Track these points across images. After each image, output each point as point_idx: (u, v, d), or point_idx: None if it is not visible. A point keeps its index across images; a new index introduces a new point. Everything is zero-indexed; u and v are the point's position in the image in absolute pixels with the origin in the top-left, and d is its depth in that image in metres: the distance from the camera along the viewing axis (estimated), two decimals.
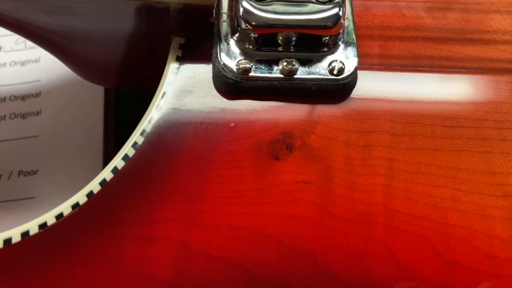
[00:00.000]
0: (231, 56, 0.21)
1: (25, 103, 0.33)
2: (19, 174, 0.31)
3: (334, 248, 0.18)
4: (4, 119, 0.32)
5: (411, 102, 0.21)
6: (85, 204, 0.18)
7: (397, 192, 0.19)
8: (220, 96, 0.20)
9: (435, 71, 0.22)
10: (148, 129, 0.20)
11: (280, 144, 0.20)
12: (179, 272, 0.17)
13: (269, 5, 0.20)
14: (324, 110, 0.21)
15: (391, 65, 0.22)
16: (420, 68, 0.22)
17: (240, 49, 0.21)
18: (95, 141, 0.31)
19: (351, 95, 0.21)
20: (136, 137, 0.20)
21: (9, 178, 0.31)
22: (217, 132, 0.20)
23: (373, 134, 0.20)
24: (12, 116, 0.33)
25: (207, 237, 0.18)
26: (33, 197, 0.30)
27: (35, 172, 0.31)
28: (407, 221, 0.19)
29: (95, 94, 0.33)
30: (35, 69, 0.34)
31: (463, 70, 0.22)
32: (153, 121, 0.20)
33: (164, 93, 0.20)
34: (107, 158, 0.32)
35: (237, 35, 0.20)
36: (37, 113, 0.33)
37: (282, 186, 0.19)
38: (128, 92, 0.34)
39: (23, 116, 0.32)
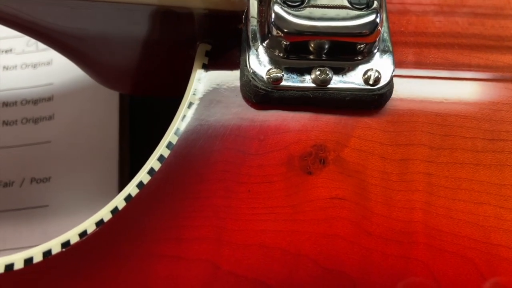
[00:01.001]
0: (261, 64, 0.19)
1: (37, 107, 0.32)
2: (31, 182, 0.30)
3: (372, 269, 0.17)
4: (16, 124, 0.31)
5: (450, 114, 0.20)
6: (110, 221, 0.17)
7: (437, 210, 0.18)
8: (249, 107, 0.19)
9: (474, 80, 0.21)
10: (174, 141, 0.19)
11: (313, 157, 0.19)
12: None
13: (303, 10, 0.19)
14: (358, 122, 0.20)
15: (427, 74, 0.21)
16: (458, 78, 0.21)
17: (269, 57, 0.19)
18: (110, 147, 0.31)
19: (387, 106, 0.20)
20: (162, 149, 0.19)
21: (21, 185, 0.30)
22: (246, 145, 0.19)
23: (410, 147, 0.19)
24: (24, 121, 0.32)
25: (238, 257, 0.17)
26: (46, 205, 0.29)
27: (48, 179, 0.30)
28: (449, 240, 0.18)
29: (110, 98, 0.32)
30: (47, 72, 0.33)
31: (503, 80, 0.21)
32: (179, 133, 0.19)
33: (190, 103, 0.19)
34: (122, 164, 0.31)
35: (267, 41, 0.19)
36: (50, 117, 0.32)
37: (315, 202, 0.18)
38: (144, 96, 0.33)
39: (35, 121, 0.32)
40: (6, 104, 0.32)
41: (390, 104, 0.20)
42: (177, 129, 0.19)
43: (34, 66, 0.34)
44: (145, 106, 0.33)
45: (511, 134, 0.20)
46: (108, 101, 0.32)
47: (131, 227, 0.17)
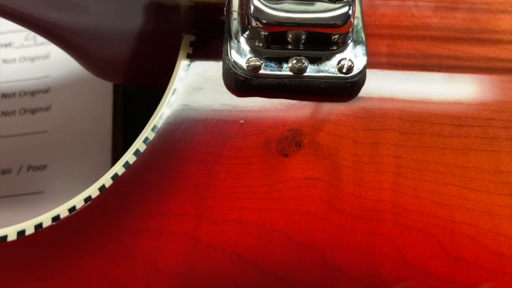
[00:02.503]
0: (241, 53, 0.21)
1: (34, 98, 0.33)
2: (28, 169, 0.31)
3: (342, 244, 0.19)
4: (14, 114, 0.33)
5: (419, 101, 0.21)
6: (97, 197, 0.18)
7: (404, 190, 0.20)
8: (230, 93, 0.21)
9: (443, 70, 0.22)
10: (159, 125, 0.20)
11: (289, 141, 0.20)
12: (189, 266, 0.18)
13: (280, 3, 0.20)
14: (332, 108, 0.21)
15: (399, 64, 0.22)
16: (429, 67, 0.22)
17: (250, 47, 0.21)
18: (104, 137, 0.32)
19: (360, 94, 0.21)
20: (147, 132, 0.20)
21: (18, 172, 0.31)
22: (226, 129, 0.20)
23: (381, 132, 0.21)
24: (22, 111, 0.33)
25: (216, 231, 0.18)
26: (42, 192, 0.31)
27: (44, 167, 0.31)
28: (415, 218, 0.19)
29: (103, 90, 0.33)
30: (45, 65, 0.35)
31: (471, 69, 0.22)
32: (164, 117, 0.20)
33: (174, 90, 0.21)
34: (116, 153, 0.32)
35: (247, 33, 0.21)
36: (47, 108, 0.33)
37: (290, 182, 0.19)
38: (136, 88, 0.34)
39: (33, 111, 0.33)
40: (4, 95, 0.34)
41: (363, 91, 0.21)
42: (162, 113, 0.20)
43: (32, 59, 0.35)
44: (137, 98, 0.34)
45: (477, 120, 0.21)
46: (102, 93, 0.33)
47: (117, 203, 0.18)
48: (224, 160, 0.20)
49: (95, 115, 0.32)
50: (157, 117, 0.20)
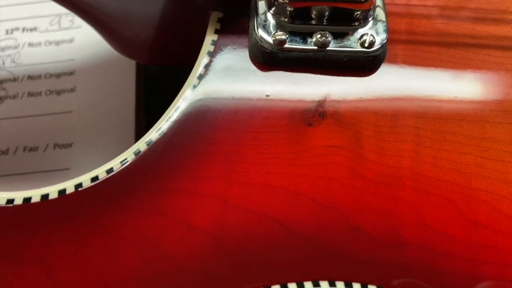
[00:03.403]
0: (268, 28, 0.22)
1: (59, 80, 0.34)
2: (54, 147, 0.32)
3: (364, 207, 0.19)
4: (40, 95, 0.34)
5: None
6: (133, 160, 0.19)
7: (423, 158, 0.20)
8: (257, 67, 0.22)
9: (460, 48, 0.23)
10: (189, 95, 0.21)
11: (313, 112, 0.21)
12: (219, 224, 0.19)
13: None
14: (354, 82, 0.22)
15: (418, 42, 0.23)
16: (446, 45, 0.23)
17: (276, 22, 0.22)
18: (127, 116, 0.33)
19: (380, 68, 0.22)
20: (179, 102, 0.21)
21: (45, 150, 0.32)
22: (253, 100, 0.21)
23: (400, 106, 0.21)
24: (48, 92, 0.34)
25: (245, 193, 0.19)
26: (68, 168, 0.32)
27: (70, 145, 0.32)
28: (433, 184, 0.20)
29: (127, 72, 0.34)
30: (70, 48, 0.36)
31: (487, 48, 0.23)
32: (194, 88, 0.21)
33: (203, 63, 0.22)
34: (139, 131, 0.33)
35: (273, 9, 0.22)
36: (72, 90, 0.34)
37: (315, 150, 0.20)
38: (158, 70, 0.35)
39: (58, 92, 0.34)
40: (31, 77, 0.35)
41: (383, 66, 0.22)
42: (193, 84, 0.21)
43: (57, 43, 0.36)
44: (159, 79, 0.35)
45: (493, 94, 0.22)
46: (125, 75, 0.34)
47: (152, 167, 0.19)
48: (251, 129, 0.21)
49: (119, 96, 0.34)
50: (188, 88, 0.21)
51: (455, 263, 0.19)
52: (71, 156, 0.32)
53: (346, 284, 0.18)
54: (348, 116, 0.21)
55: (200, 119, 0.21)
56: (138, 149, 0.20)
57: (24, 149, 0.32)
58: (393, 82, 0.22)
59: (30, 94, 0.34)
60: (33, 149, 0.32)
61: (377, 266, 0.19)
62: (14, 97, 0.34)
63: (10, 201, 0.18)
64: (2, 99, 0.34)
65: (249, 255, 0.18)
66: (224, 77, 0.21)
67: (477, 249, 0.19)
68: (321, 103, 0.21)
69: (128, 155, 0.19)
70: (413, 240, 0.19)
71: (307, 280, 0.18)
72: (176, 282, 0.18)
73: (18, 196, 0.18)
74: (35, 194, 0.18)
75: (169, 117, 0.20)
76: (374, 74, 0.22)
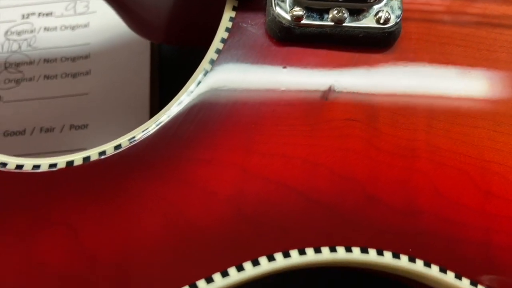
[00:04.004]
0: (285, 4, 0.22)
1: (75, 64, 0.35)
2: (70, 128, 0.33)
3: (380, 177, 0.20)
4: (56, 78, 0.34)
5: (452, 53, 0.22)
6: (156, 130, 0.20)
7: (437, 131, 0.21)
8: (274, 42, 0.22)
9: (473, 26, 0.23)
10: (208, 69, 0.21)
11: (329, 86, 0.22)
12: (239, 192, 0.19)
13: None
14: (369, 57, 0.22)
15: (431, 20, 0.23)
16: (459, 23, 0.23)
17: None
18: (142, 98, 0.33)
19: (395, 45, 0.22)
20: (199, 76, 0.21)
21: (61, 131, 0.33)
22: (271, 74, 0.22)
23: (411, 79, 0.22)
24: (63, 75, 0.35)
25: (263, 163, 0.20)
26: (84, 149, 0.32)
27: (85, 126, 0.33)
28: (447, 156, 0.20)
29: (141, 55, 0.35)
30: (85, 33, 0.36)
31: (499, 26, 0.24)
32: (213, 62, 0.22)
33: (222, 38, 0.22)
34: (153, 113, 0.34)
35: None
36: (87, 73, 0.35)
37: (332, 122, 0.21)
38: (172, 53, 0.36)
39: (74, 75, 0.34)
40: (47, 60, 0.35)
41: (398, 43, 0.23)
42: (211, 59, 0.22)
43: (73, 28, 0.37)
44: (173, 62, 0.35)
45: (505, 71, 0.22)
46: (139, 58, 0.35)
47: (174, 136, 0.20)
48: (269, 102, 0.21)
49: (133, 78, 0.34)
50: (207, 62, 0.22)
51: (469, 232, 0.19)
52: (86, 136, 0.33)
53: (362, 250, 0.19)
54: (363, 90, 0.22)
55: (219, 92, 0.21)
56: (160, 120, 0.20)
57: (41, 129, 0.32)
58: (407, 58, 0.23)
59: (46, 77, 0.34)
60: (49, 129, 0.33)
61: (393, 233, 0.19)
62: (31, 79, 0.34)
63: (36, 166, 0.19)
64: (19, 81, 0.34)
65: (268, 221, 0.19)
66: (242, 53, 0.22)
67: (490, 219, 0.20)
68: (337, 78, 0.22)
69: (150, 125, 0.20)
70: (428, 209, 0.20)
71: (324, 245, 0.19)
72: (197, 245, 0.18)
73: (44, 163, 0.19)
74: (61, 161, 0.19)
75: (189, 90, 0.21)
76: (389, 50, 0.22)
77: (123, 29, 0.37)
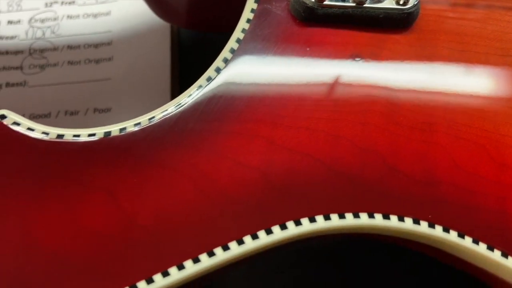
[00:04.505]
0: None
1: (98, 50, 0.36)
2: (94, 111, 0.34)
3: (399, 150, 0.21)
4: (79, 64, 0.36)
5: (467, 33, 0.23)
6: (188, 104, 0.21)
7: (454, 107, 0.22)
8: (297, 24, 0.23)
9: (487, 9, 0.24)
10: (235, 47, 0.22)
11: (349, 64, 0.23)
12: (266, 162, 0.20)
13: None
14: (389, 38, 0.23)
15: (449, 2, 0.24)
16: (474, 4, 0.24)
17: None
18: (163, 83, 0.34)
19: (414, 25, 0.23)
20: (225, 53, 0.22)
21: (85, 114, 0.34)
22: (295, 53, 0.23)
23: (432, 59, 0.23)
24: (87, 61, 0.36)
25: (289, 135, 0.21)
26: None
27: (109, 110, 0.34)
28: (464, 130, 0.21)
29: (162, 41, 0.36)
30: (107, 21, 0.37)
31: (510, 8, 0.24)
32: (240, 41, 0.23)
33: (248, 19, 0.23)
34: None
35: None
36: (109, 59, 0.36)
37: (353, 98, 0.22)
38: (191, 39, 0.37)
39: (97, 61, 0.36)
40: (70, 47, 0.37)
41: (417, 24, 0.23)
42: (238, 38, 0.23)
43: (95, 16, 0.38)
44: (193, 48, 0.36)
45: None
46: (160, 45, 0.36)
47: (205, 109, 0.21)
48: (293, 79, 0.22)
49: (154, 64, 0.35)
50: (234, 40, 0.23)
51: (486, 200, 0.20)
52: (109, 120, 0.34)
53: (384, 216, 0.20)
54: (383, 68, 0.23)
55: (245, 70, 0.22)
56: (191, 93, 0.21)
57: (66, 113, 0.34)
58: (425, 39, 0.23)
59: (70, 63, 0.36)
60: (74, 113, 0.34)
61: (413, 201, 0.20)
62: (55, 65, 0.35)
63: (76, 136, 0.20)
64: (43, 67, 0.35)
65: (293, 189, 0.20)
66: (267, 33, 0.23)
67: (505, 188, 0.20)
68: (358, 56, 0.23)
69: (183, 99, 0.21)
70: (446, 179, 0.20)
71: (347, 211, 0.19)
72: (227, 211, 0.19)
73: (83, 133, 0.20)
74: (99, 132, 0.20)
75: (217, 67, 0.22)
76: (408, 30, 0.23)
77: (144, 17, 0.38)
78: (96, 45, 0.36)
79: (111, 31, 0.37)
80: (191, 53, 0.37)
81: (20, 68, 0.35)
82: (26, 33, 0.37)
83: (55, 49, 0.36)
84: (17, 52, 0.36)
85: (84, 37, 0.37)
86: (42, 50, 0.36)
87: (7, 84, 0.35)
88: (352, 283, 0.28)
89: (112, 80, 0.35)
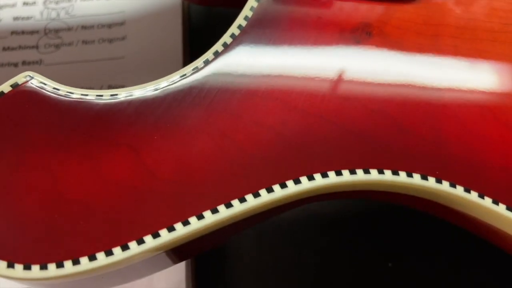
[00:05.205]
0: None
1: (111, 30, 0.37)
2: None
3: (409, 113, 0.22)
4: (93, 43, 0.36)
5: (472, 3, 0.24)
6: (203, 67, 0.22)
7: (462, 73, 0.23)
8: None
9: None
10: (249, 15, 0.23)
11: (360, 31, 0.23)
12: (281, 122, 0.21)
13: None
14: (398, 7, 0.24)
15: None
16: None
17: None
18: (175, 62, 0.35)
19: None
20: (240, 21, 0.23)
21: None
22: (307, 22, 0.23)
23: (439, 27, 0.24)
24: (100, 41, 0.36)
25: (303, 98, 0.21)
26: None
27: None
28: (470, 92, 0.22)
29: (173, 21, 0.37)
30: (119, 2, 0.38)
31: None
32: (253, 9, 0.23)
33: None
34: None
35: None
36: (123, 38, 0.36)
37: (363, 63, 0.23)
38: (203, 18, 0.38)
39: (110, 40, 0.36)
40: (84, 27, 0.37)
41: None
42: (252, 6, 0.23)
43: None
44: (204, 26, 0.37)
45: None
46: (172, 24, 0.37)
47: (225, 74, 0.22)
48: (306, 44, 0.23)
49: (167, 43, 0.36)
50: (248, 9, 0.23)
51: (492, 158, 0.21)
52: None
53: (393, 172, 0.20)
54: (393, 35, 0.23)
55: (263, 27, 0.23)
56: (207, 58, 0.22)
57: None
58: (433, 8, 0.24)
59: (84, 42, 0.36)
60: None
61: (421, 159, 0.21)
62: (70, 44, 0.36)
63: (99, 96, 0.21)
64: (58, 46, 0.36)
65: (306, 147, 0.21)
66: (279, 2, 0.24)
67: (510, 147, 0.21)
68: (368, 24, 0.24)
69: (199, 64, 0.22)
70: (454, 139, 0.21)
71: (358, 168, 0.20)
72: (244, 166, 0.20)
73: (106, 94, 0.21)
74: (121, 93, 0.21)
75: (232, 33, 0.23)
76: (416, 0, 0.24)
77: None
78: (110, 25, 0.37)
79: (123, 12, 0.38)
80: (202, 31, 0.38)
81: (36, 47, 0.36)
82: (41, 14, 0.38)
83: (69, 29, 0.37)
84: (32, 32, 0.37)
85: (97, 17, 0.38)
86: (57, 30, 0.37)
87: (24, 63, 0.36)
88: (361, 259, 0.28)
89: (125, 58, 0.36)
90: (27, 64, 0.36)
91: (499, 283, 0.28)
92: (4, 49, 0.37)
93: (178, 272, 0.29)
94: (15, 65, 0.36)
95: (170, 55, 0.36)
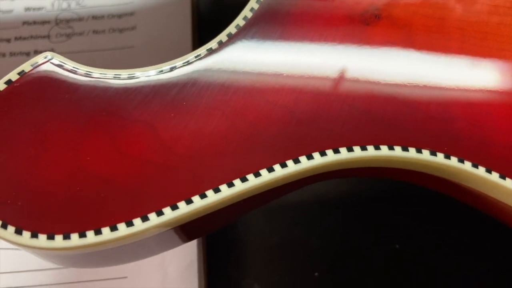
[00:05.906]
0: None
1: (121, 20, 0.38)
2: None
3: (419, 91, 0.22)
4: (104, 33, 0.37)
5: None
6: (216, 47, 0.22)
7: (468, 53, 0.23)
8: None
9: None
10: (255, 7, 0.24)
11: (369, 14, 0.24)
12: (293, 101, 0.21)
13: None
14: None
15: None
16: None
17: None
18: (184, 51, 0.36)
19: None
20: (246, 12, 0.24)
21: None
22: (316, 7, 0.24)
23: (446, 10, 0.24)
24: (111, 30, 0.37)
25: (315, 80, 0.22)
26: None
27: None
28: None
29: (182, 11, 0.37)
30: None
31: None
32: (260, 1, 0.24)
33: None
34: None
35: None
36: (133, 28, 0.37)
37: (373, 44, 0.23)
38: (211, 11, 0.38)
39: (120, 30, 0.37)
40: (95, 17, 0.38)
41: None
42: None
43: None
44: (214, 19, 0.38)
45: None
46: (181, 14, 0.37)
47: (238, 57, 0.22)
48: (316, 27, 0.24)
49: (176, 33, 0.37)
50: (254, 2, 0.24)
51: (498, 135, 0.22)
52: None
53: (403, 148, 0.21)
54: (401, 18, 0.24)
55: (272, 14, 0.24)
56: (221, 40, 0.23)
57: None
58: None
59: (95, 32, 0.37)
60: None
61: (430, 135, 0.21)
62: (80, 34, 0.37)
63: (117, 76, 0.21)
64: (69, 35, 0.37)
65: (318, 124, 0.21)
66: None
67: None
68: (376, 7, 0.24)
69: (213, 45, 0.22)
70: (461, 116, 0.22)
71: (369, 144, 0.21)
72: (257, 143, 0.20)
73: (124, 73, 0.21)
74: (138, 73, 0.21)
75: (244, 15, 0.23)
76: None
77: None
78: (120, 16, 0.38)
79: (133, 2, 0.38)
80: (211, 20, 0.38)
81: (48, 37, 0.37)
82: (52, 5, 0.39)
83: (80, 19, 0.38)
84: (44, 22, 0.38)
85: (108, 8, 0.38)
86: (68, 21, 0.38)
87: (35, 52, 0.37)
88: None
89: (135, 48, 0.37)
90: (39, 53, 0.37)
91: (507, 265, 0.28)
92: (16, 38, 0.37)
93: (189, 253, 0.30)
94: (27, 54, 0.37)
95: (179, 44, 0.37)
